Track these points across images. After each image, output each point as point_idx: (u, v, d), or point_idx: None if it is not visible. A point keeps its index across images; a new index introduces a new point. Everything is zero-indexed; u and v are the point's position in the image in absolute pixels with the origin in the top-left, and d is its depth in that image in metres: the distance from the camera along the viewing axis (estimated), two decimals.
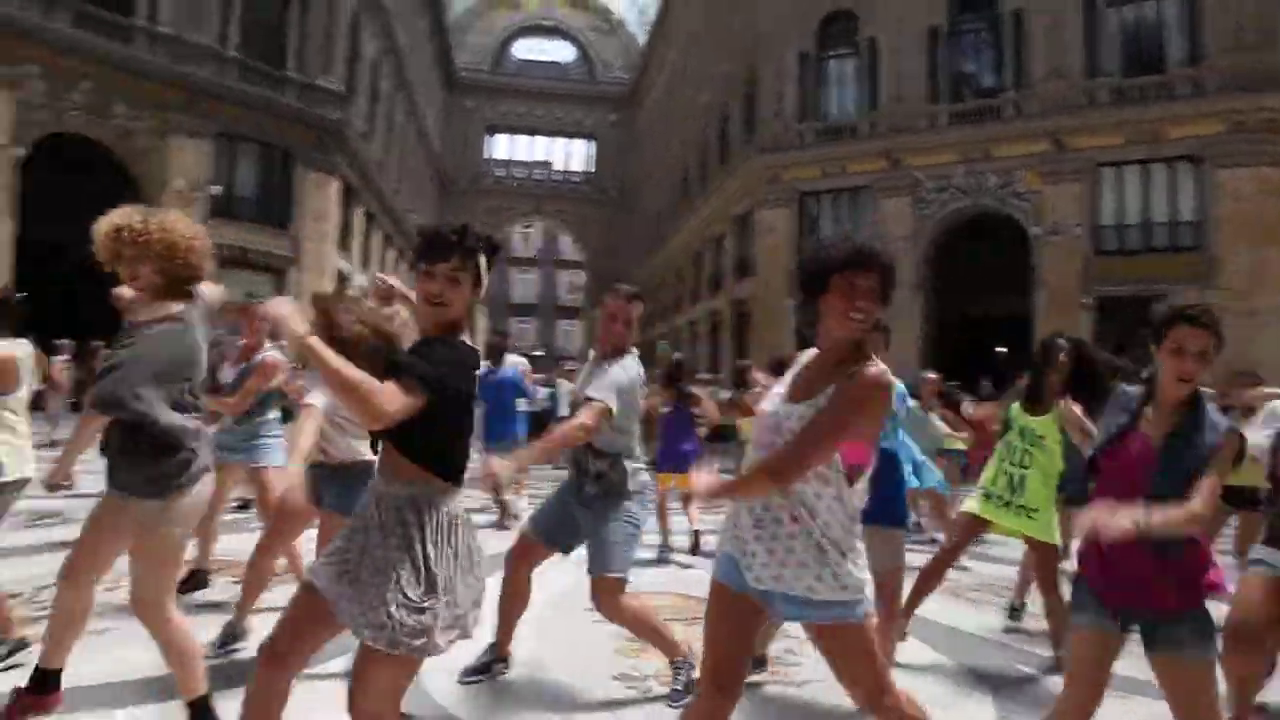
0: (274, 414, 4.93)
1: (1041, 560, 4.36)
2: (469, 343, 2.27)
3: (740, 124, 29.81)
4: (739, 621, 2.36)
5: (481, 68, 49.53)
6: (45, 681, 2.95)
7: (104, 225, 2.85)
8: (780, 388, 2.41)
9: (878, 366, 2.25)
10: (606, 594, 3.59)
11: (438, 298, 2.22)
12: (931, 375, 7.70)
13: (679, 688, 3.58)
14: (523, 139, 51.36)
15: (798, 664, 4.11)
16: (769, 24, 27.04)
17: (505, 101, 49.71)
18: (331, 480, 3.62)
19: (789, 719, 3.54)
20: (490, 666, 3.81)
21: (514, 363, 8.97)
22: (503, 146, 51.43)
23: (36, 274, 16.50)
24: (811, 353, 2.42)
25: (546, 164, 51.34)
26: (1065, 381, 4.20)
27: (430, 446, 2.16)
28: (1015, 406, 4.50)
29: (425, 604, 2.07)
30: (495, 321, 45.19)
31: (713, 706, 2.31)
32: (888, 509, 3.71)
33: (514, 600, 3.82)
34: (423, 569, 2.09)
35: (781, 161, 25.80)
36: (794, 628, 3.35)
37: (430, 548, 2.11)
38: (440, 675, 3.61)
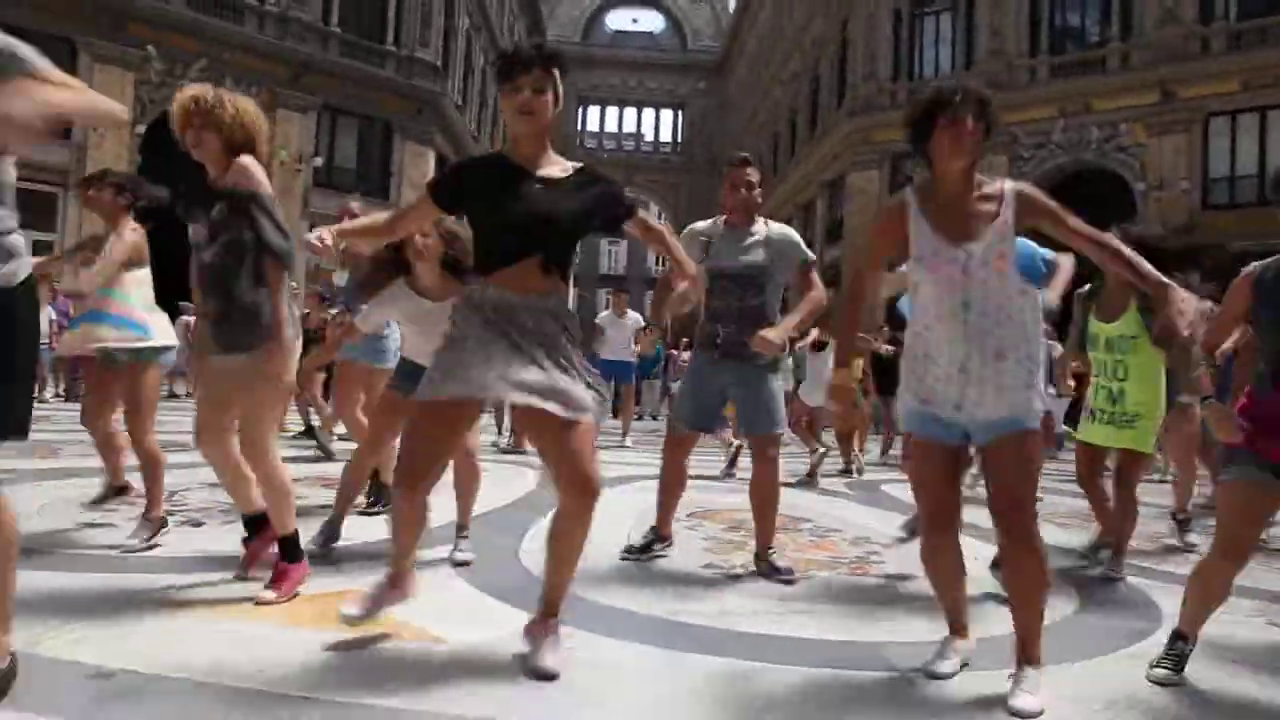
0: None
1: (1128, 465, 4.34)
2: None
3: (831, 88, 29.36)
4: (947, 469, 2.67)
5: (573, 40, 49.83)
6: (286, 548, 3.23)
7: (182, 96, 3.16)
8: (925, 238, 2.61)
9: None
10: (773, 448, 3.94)
11: (527, 108, 2.51)
12: None
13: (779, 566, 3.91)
14: (613, 110, 51.56)
15: (881, 562, 4.37)
16: None
17: (596, 73, 49.93)
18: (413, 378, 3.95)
19: (869, 607, 3.73)
20: (651, 546, 4.20)
21: (634, 318, 10.63)
22: (594, 118, 51.76)
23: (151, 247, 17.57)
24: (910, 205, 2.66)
25: (637, 134, 51.49)
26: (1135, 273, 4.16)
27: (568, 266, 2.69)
28: (1091, 321, 4.42)
29: (593, 384, 2.60)
30: (584, 290, 45.78)
31: (941, 542, 2.70)
32: None
33: (673, 486, 4.21)
34: (576, 360, 2.59)
35: (872, 123, 25.36)
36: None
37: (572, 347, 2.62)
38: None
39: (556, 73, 2.59)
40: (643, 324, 10.35)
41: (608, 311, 10.75)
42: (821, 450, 7.81)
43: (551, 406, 2.48)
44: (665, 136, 51.79)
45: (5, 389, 2.04)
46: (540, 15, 46.71)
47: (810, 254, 4.11)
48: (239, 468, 3.24)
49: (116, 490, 4.45)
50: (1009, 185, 2.63)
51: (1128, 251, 2.61)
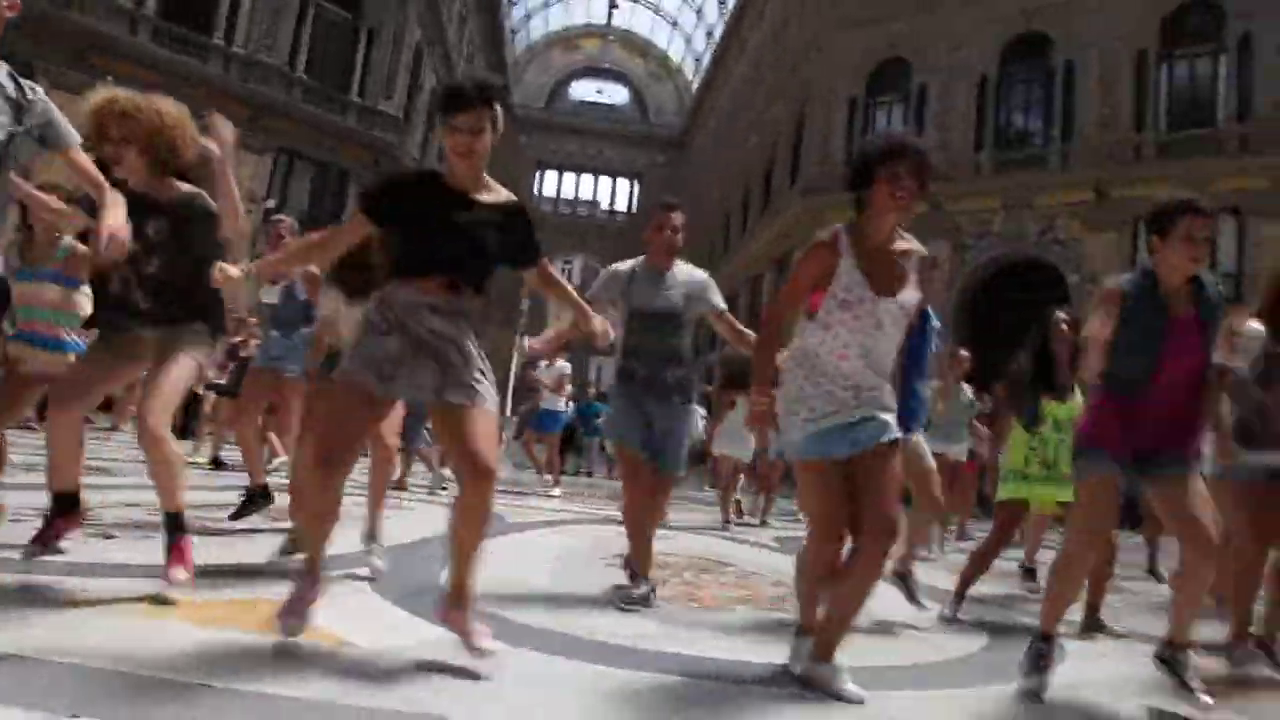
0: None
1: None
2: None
3: (786, 168, 30.17)
4: (841, 483, 2.80)
5: (537, 105, 50.67)
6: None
7: (95, 99, 3.13)
8: (854, 282, 2.76)
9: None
10: (670, 488, 4.08)
11: (464, 149, 2.58)
12: (964, 353, 7.49)
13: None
14: (570, 176, 52.24)
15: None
16: (821, 71, 27.50)
17: (557, 139, 50.72)
18: None
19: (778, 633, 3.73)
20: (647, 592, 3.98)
21: (561, 366, 10.90)
22: (551, 182, 52.37)
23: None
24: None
25: (593, 202, 52.15)
26: (1072, 352, 4.35)
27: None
28: (1042, 402, 4.44)
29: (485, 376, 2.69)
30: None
31: (831, 549, 2.85)
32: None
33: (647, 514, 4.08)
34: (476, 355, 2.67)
35: (824, 202, 26.00)
36: None
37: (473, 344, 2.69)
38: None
39: (497, 107, 2.68)
40: (568, 371, 10.57)
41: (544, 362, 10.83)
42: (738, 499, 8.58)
43: (453, 396, 2.60)
44: (621, 205, 52.51)
45: None
46: (507, 79, 47.51)
47: (722, 303, 4.21)
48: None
49: None
50: (915, 245, 2.87)
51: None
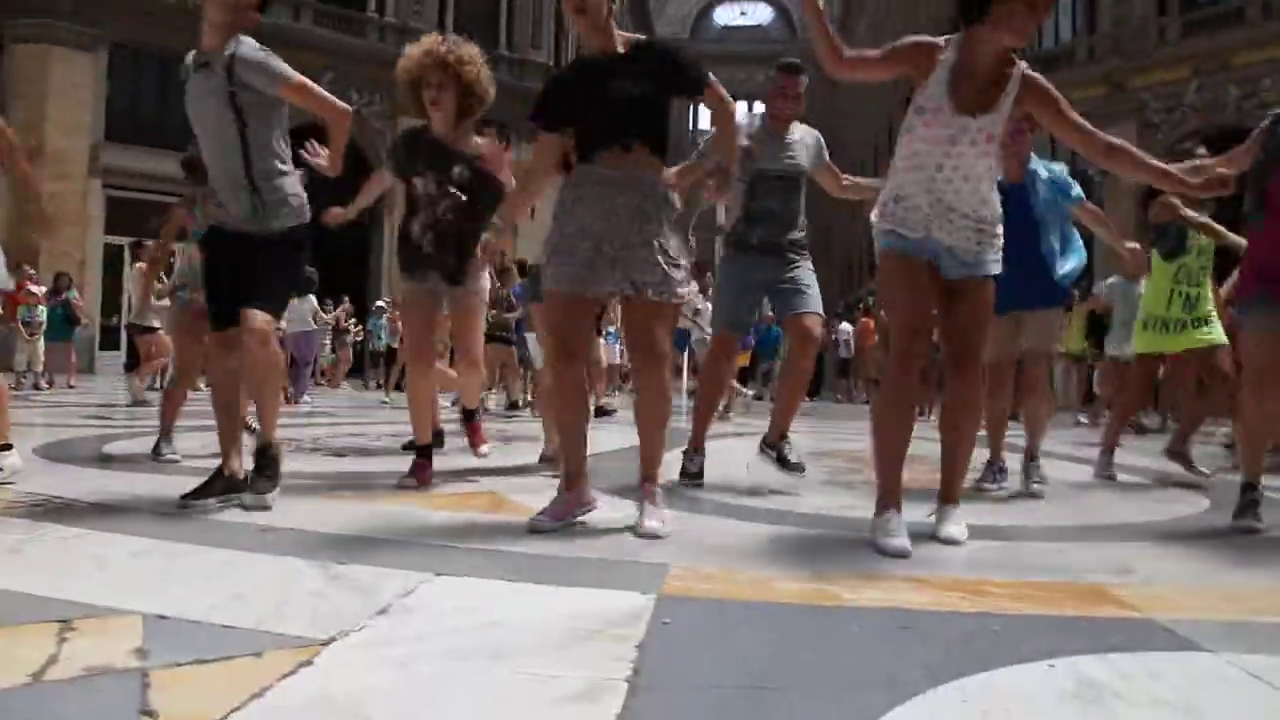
0: None
1: (1206, 361, 4.75)
2: None
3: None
4: (923, 280, 2.80)
5: (681, 36, 50.11)
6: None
7: (416, 47, 3.59)
8: (936, 100, 2.67)
9: None
10: (818, 327, 4.03)
11: (578, 6, 2.77)
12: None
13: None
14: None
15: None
16: None
17: (706, 68, 49.98)
18: None
19: None
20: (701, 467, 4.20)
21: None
22: (705, 116, 51.82)
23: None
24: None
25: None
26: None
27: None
28: (1190, 232, 4.55)
29: (680, 260, 2.81)
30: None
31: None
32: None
33: (712, 395, 4.39)
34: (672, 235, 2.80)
35: None
36: None
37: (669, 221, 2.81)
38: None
39: None
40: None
41: None
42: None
43: (648, 293, 2.80)
44: None
45: None
46: (649, 15, 47.17)
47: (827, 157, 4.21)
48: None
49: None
50: (1021, 69, 2.68)
51: (1130, 148, 2.76)
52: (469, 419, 4.46)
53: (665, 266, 2.77)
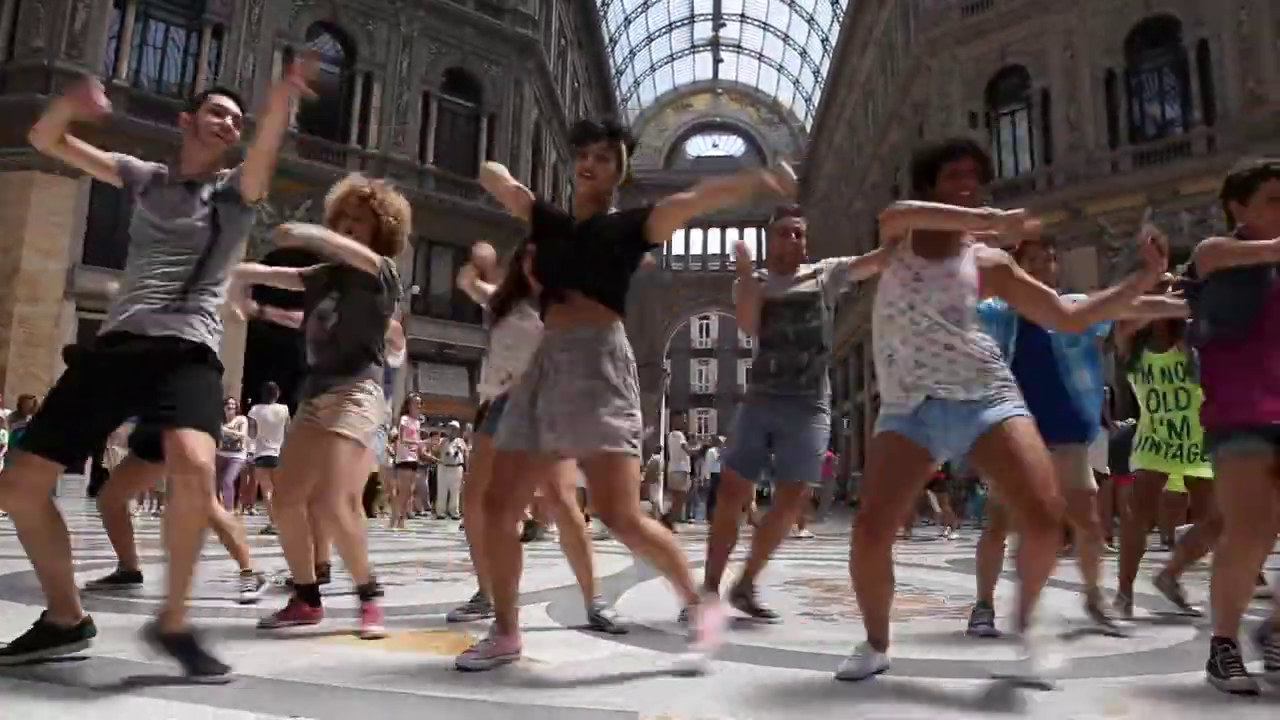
0: None
1: (1204, 494, 4.26)
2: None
3: (910, 196, 29.60)
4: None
5: (655, 168, 51.77)
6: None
7: (340, 187, 3.59)
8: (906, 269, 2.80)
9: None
10: (801, 497, 3.97)
11: (589, 172, 2.74)
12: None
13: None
14: (697, 232, 52.85)
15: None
16: (935, 90, 27.08)
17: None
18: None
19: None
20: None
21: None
22: (679, 241, 53.09)
23: (261, 365, 18.67)
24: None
25: (722, 254, 52.50)
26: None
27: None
28: (1145, 353, 4.41)
29: (630, 410, 2.66)
30: (677, 408, 45.89)
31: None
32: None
33: (722, 540, 4.01)
34: (618, 386, 2.67)
35: None
36: None
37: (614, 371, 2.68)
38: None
39: (622, 145, 2.87)
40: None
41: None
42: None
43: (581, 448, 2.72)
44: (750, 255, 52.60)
45: None
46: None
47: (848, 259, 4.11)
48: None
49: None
50: (974, 248, 2.85)
51: (1086, 305, 2.92)
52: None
53: (607, 418, 2.63)
